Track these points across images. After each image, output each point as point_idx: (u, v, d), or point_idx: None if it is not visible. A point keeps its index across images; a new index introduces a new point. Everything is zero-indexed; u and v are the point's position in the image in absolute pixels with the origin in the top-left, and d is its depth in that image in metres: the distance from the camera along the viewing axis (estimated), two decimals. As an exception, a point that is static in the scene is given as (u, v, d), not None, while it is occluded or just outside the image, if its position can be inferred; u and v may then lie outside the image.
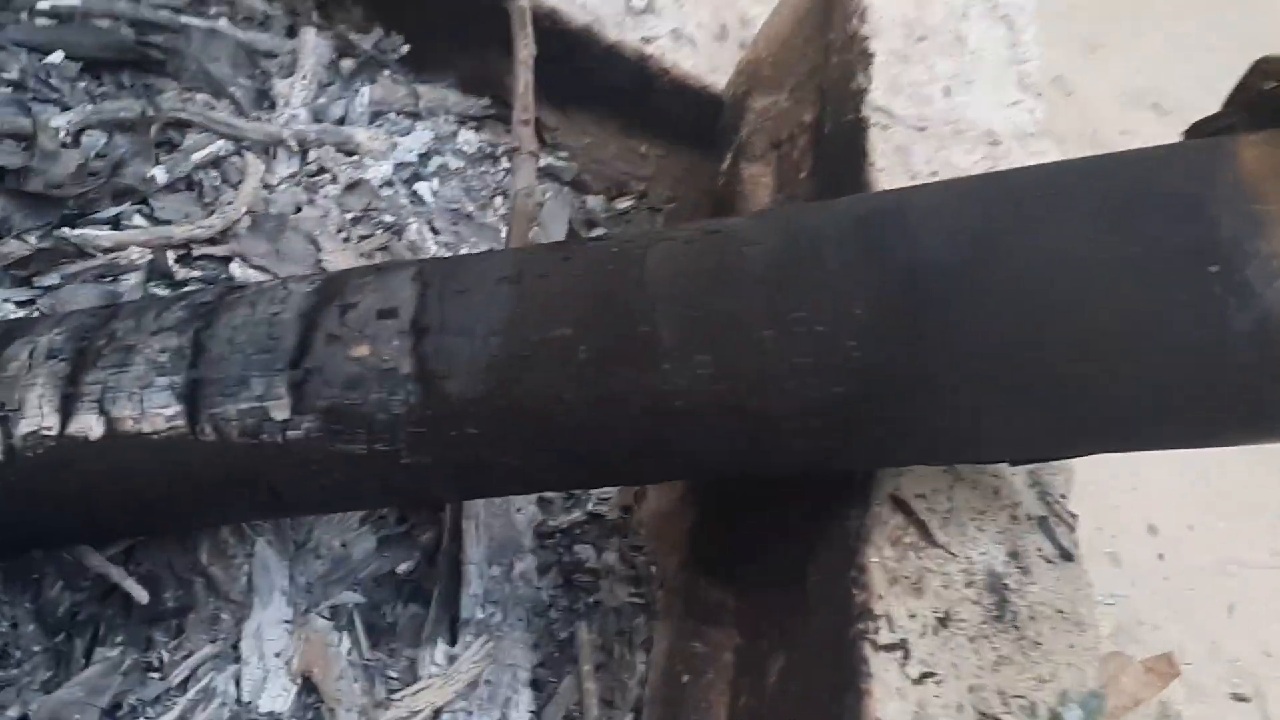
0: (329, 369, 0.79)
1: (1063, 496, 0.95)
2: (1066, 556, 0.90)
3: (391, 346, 0.79)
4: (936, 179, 1.03)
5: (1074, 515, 0.94)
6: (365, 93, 1.41)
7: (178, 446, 0.80)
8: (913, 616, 0.83)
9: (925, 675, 0.80)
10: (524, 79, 1.33)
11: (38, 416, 0.81)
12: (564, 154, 1.58)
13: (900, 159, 1.03)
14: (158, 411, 0.80)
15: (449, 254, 1.32)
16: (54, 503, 0.83)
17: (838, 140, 1.09)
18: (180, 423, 0.80)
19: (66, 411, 0.81)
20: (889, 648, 0.81)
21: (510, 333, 0.78)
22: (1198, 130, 0.77)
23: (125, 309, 0.87)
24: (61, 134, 1.14)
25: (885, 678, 0.79)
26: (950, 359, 0.71)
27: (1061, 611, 0.88)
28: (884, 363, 0.72)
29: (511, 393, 0.78)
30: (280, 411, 0.80)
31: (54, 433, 0.81)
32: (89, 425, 0.80)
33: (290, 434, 0.80)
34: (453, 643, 1.01)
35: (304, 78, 1.34)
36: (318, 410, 0.79)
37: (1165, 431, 0.77)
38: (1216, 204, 0.66)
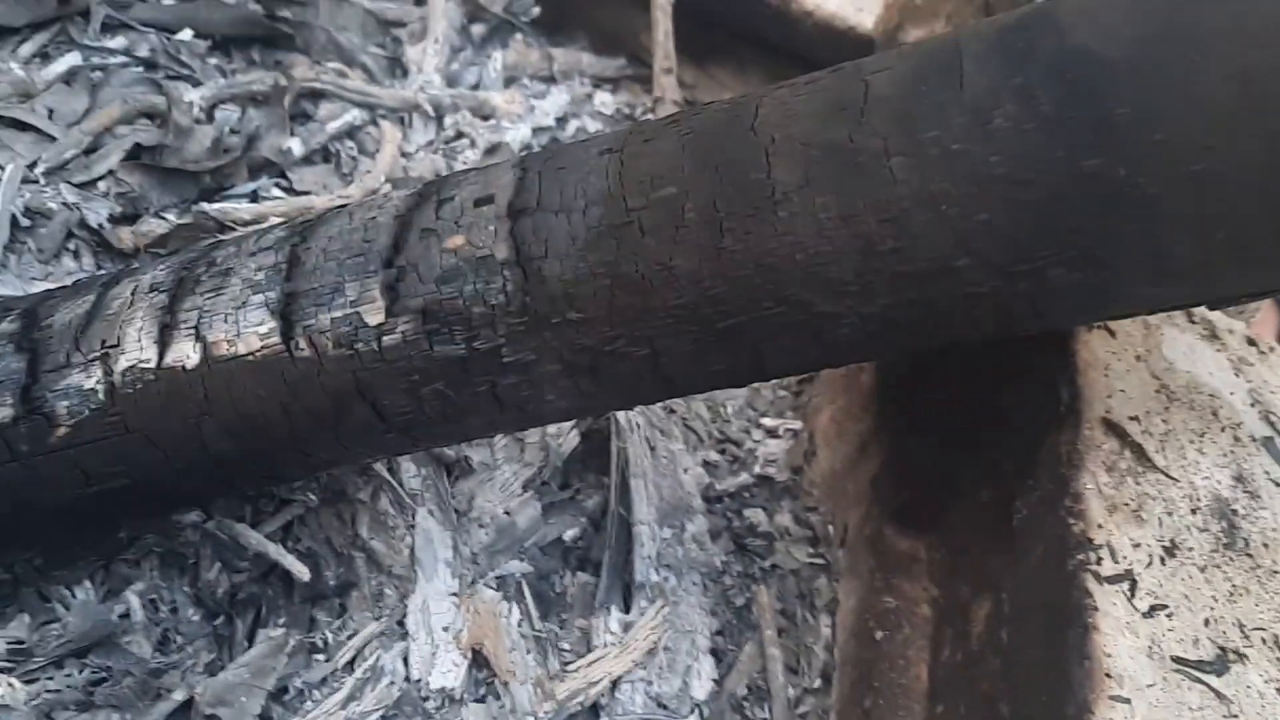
0: (423, 264, 0.73)
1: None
2: (1298, 480, 0.77)
3: (487, 232, 0.72)
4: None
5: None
6: (498, 57, 1.37)
7: (274, 366, 0.75)
8: (1136, 546, 0.73)
9: (1155, 608, 0.70)
10: (663, 26, 1.28)
11: (136, 350, 0.76)
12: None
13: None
14: (252, 330, 0.75)
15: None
16: (159, 443, 0.78)
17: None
18: (275, 340, 0.74)
19: (164, 342, 0.76)
20: (1113, 579, 0.71)
21: (609, 201, 0.70)
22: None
23: (230, 239, 0.83)
24: (195, 109, 1.12)
25: (1112, 611, 0.69)
26: (1116, 160, 0.60)
27: (1298, 538, 0.75)
28: (1035, 178, 0.61)
29: (615, 267, 0.69)
30: (374, 315, 0.73)
31: (152, 365, 0.76)
32: (185, 353, 0.75)
33: (386, 339, 0.73)
34: (627, 610, 0.94)
35: (435, 42, 1.30)
36: (412, 310, 0.72)
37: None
38: None
